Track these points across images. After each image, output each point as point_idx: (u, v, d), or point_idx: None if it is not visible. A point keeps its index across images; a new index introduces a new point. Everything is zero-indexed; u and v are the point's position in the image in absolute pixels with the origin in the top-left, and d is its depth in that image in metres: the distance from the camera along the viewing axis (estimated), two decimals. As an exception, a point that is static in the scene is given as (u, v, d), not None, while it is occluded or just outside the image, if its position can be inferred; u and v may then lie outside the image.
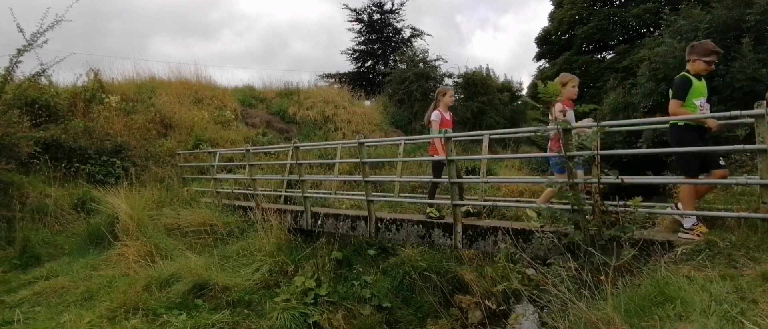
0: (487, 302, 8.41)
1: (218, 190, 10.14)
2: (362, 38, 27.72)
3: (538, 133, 4.14)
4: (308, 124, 17.09)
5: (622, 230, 3.81)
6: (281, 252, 7.46)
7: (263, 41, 60.76)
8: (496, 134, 7.58)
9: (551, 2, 25.08)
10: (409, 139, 9.45)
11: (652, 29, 20.36)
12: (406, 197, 9.38)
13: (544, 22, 28.75)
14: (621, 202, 4.01)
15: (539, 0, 66.13)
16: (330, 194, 9.48)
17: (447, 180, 5.60)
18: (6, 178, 8.87)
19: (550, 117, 4.65)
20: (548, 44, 24.77)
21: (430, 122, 6.42)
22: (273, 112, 17.29)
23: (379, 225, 6.77)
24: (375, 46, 27.67)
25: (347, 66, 28.33)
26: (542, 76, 22.03)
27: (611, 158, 4.62)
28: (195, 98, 15.42)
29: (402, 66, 21.40)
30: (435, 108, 6.44)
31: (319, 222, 7.73)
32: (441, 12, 57.89)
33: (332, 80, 26.04)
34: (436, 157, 6.27)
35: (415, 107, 19.66)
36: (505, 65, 76.70)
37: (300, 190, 7.95)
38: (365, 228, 6.95)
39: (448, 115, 6.47)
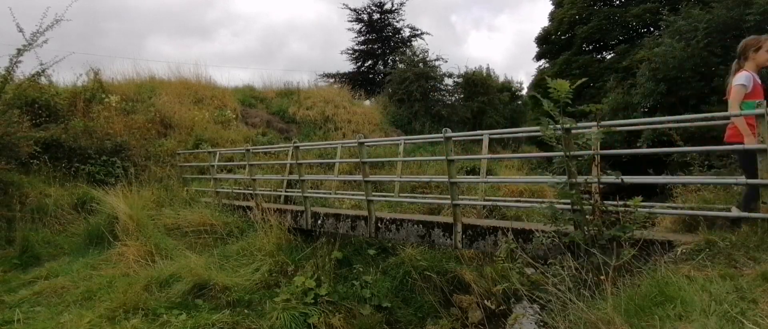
0: (487, 302, 8.41)
1: (218, 190, 10.14)
2: (362, 38, 27.77)
3: (547, 133, 4.10)
4: (308, 123, 17.09)
5: (622, 230, 3.81)
6: (281, 252, 7.46)
7: (261, 41, 60.79)
8: (496, 134, 7.57)
9: (551, 2, 25.11)
10: (409, 139, 9.46)
11: (652, 29, 20.36)
12: (406, 197, 9.39)
13: (539, 23, 28.94)
14: (621, 202, 4.01)
15: (533, 0, 66.05)
16: (330, 194, 9.48)
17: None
18: (6, 178, 8.87)
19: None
20: (548, 44, 24.79)
21: (730, 90, 4.20)
22: (273, 112, 17.30)
23: (379, 225, 6.77)
24: (375, 46, 27.70)
25: (347, 66, 28.41)
26: (542, 75, 22.07)
27: (611, 158, 4.61)
28: (195, 98, 15.42)
29: (402, 66, 21.41)
30: (739, 69, 4.26)
31: (319, 222, 7.73)
32: (436, 12, 57.99)
33: (332, 80, 26.08)
34: (747, 144, 3.88)
35: (415, 107, 19.68)
36: (501, 65, 76.81)
37: (300, 190, 7.95)
38: (365, 228, 6.95)
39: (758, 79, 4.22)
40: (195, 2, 67.81)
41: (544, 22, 25.51)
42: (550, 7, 25.13)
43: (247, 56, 55.41)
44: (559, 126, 4.00)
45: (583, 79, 5.03)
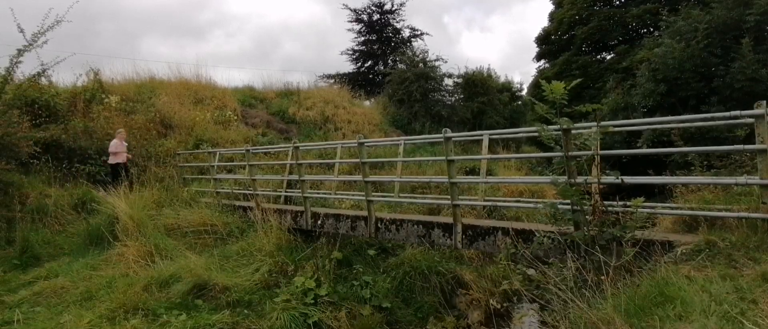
0: (492, 300, 8.41)
1: (218, 190, 10.14)
2: (362, 38, 27.74)
3: (545, 135, 4.09)
4: (308, 124, 17.10)
5: (622, 230, 3.81)
6: (281, 253, 7.45)
7: (255, 42, 60.39)
8: (496, 134, 7.57)
9: (551, 2, 25.14)
10: (409, 140, 9.46)
11: (652, 30, 20.38)
12: (405, 197, 9.38)
13: (532, 23, 28.86)
14: (621, 202, 4.01)
15: (525, 1, 65.76)
16: (330, 194, 9.48)
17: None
18: (6, 178, 8.86)
19: None
20: (548, 44, 24.81)
21: None
22: (273, 112, 17.30)
23: (379, 225, 6.77)
24: (375, 47, 27.67)
25: (347, 66, 28.36)
26: (542, 76, 22.06)
27: (611, 158, 4.61)
28: (195, 98, 15.43)
29: (402, 66, 21.40)
30: None
31: (319, 222, 7.72)
32: (429, 13, 57.55)
33: (332, 80, 26.04)
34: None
35: (415, 107, 19.66)
36: (495, 66, 76.24)
37: (300, 190, 7.95)
38: (365, 229, 6.94)
39: None
40: (188, 3, 67.54)
41: (537, 23, 25.64)
42: (542, 8, 25.65)
43: (242, 57, 55.19)
44: (556, 127, 4.00)
45: (579, 80, 5.02)
